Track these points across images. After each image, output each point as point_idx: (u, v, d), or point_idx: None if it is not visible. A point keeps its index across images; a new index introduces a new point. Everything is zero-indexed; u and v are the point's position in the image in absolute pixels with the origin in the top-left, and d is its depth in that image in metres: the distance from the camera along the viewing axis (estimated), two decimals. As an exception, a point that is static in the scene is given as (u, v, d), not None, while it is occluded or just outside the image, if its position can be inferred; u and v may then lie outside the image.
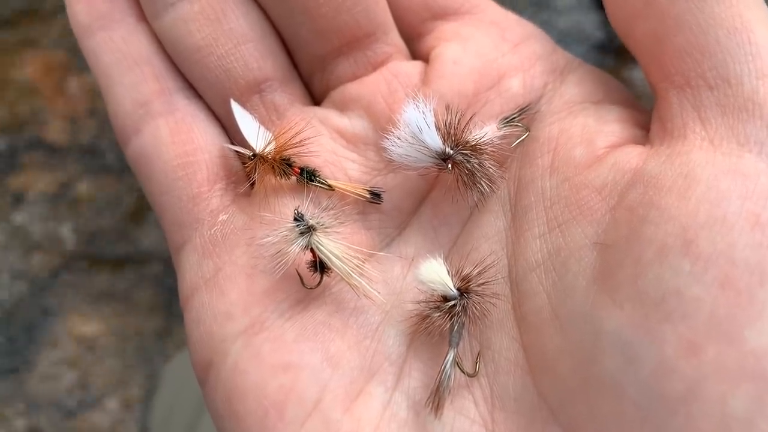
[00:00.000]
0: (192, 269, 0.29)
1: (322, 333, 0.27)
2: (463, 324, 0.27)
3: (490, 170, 0.29)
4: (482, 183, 0.28)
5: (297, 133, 0.29)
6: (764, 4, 0.25)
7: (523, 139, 0.29)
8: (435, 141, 0.28)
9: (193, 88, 0.31)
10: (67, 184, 1.20)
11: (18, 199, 1.19)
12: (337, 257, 0.27)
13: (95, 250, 1.16)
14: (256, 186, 0.30)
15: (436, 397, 0.25)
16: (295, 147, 0.29)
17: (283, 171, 0.29)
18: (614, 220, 0.24)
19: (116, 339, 1.10)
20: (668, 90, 0.25)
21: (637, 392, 0.22)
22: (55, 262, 1.15)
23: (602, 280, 0.24)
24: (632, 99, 0.29)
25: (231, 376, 0.26)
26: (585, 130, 0.27)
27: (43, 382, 1.07)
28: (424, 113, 0.28)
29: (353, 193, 0.29)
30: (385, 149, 0.29)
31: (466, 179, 0.29)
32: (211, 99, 0.31)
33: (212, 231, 0.29)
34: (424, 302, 0.27)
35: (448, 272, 0.27)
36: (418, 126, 0.28)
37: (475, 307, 0.27)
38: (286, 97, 0.31)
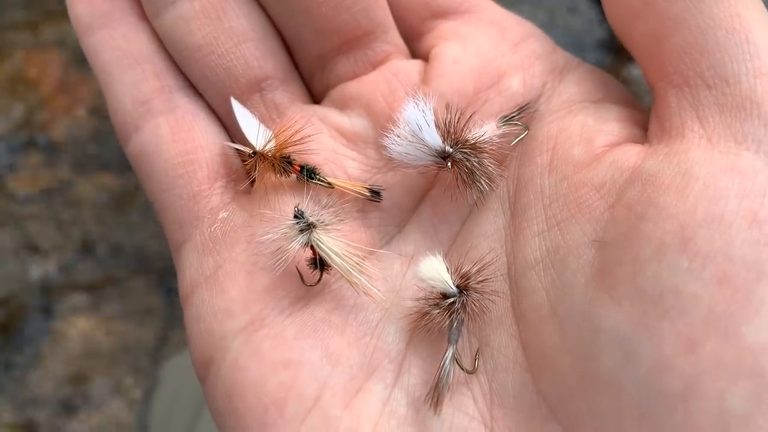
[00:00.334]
0: (192, 266, 0.29)
1: (322, 330, 0.27)
2: (463, 321, 0.27)
3: (490, 168, 0.29)
4: (481, 181, 0.29)
5: (297, 131, 0.29)
6: (762, 5, 0.25)
7: (522, 138, 0.29)
8: (434, 139, 0.29)
9: (193, 86, 0.31)
10: (67, 184, 1.20)
11: (18, 199, 1.19)
12: (336, 254, 0.27)
13: (95, 250, 1.16)
14: (257, 184, 0.30)
15: (435, 394, 0.25)
16: (295, 145, 0.29)
17: (283, 169, 0.29)
18: (613, 218, 0.24)
19: (116, 339, 1.10)
20: (667, 89, 0.25)
21: (636, 389, 0.22)
22: (54, 262, 1.15)
23: (601, 277, 0.24)
24: (631, 98, 0.29)
25: (231, 373, 0.26)
26: (584, 129, 0.27)
27: (43, 382, 1.07)
28: (423, 112, 0.28)
29: (353, 190, 0.29)
30: (384, 147, 0.29)
31: (465, 177, 0.29)
32: (212, 97, 0.31)
33: (212, 228, 0.29)
34: (423, 299, 0.27)
35: (448, 269, 0.27)
36: (417, 124, 0.28)
37: (475, 305, 0.27)
38: (286, 96, 0.31)
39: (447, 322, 0.27)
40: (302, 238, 0.27)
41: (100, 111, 1.22)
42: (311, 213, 0.28)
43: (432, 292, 0.27)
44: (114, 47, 0.31)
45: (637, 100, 0.30)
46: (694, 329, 0.21)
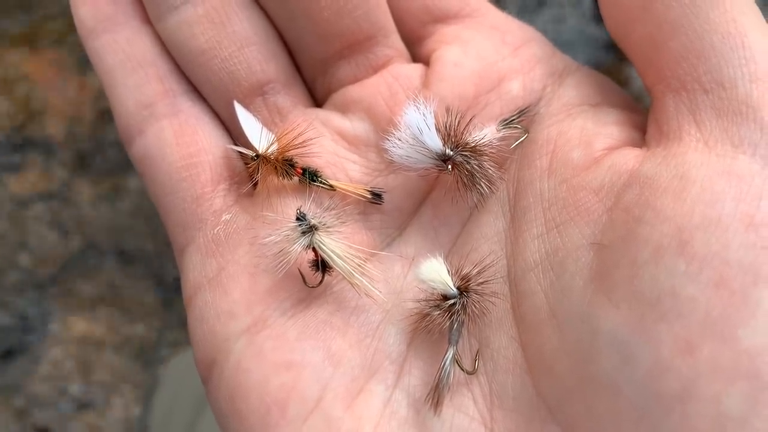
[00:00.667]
0: (195, 268, 0.29)
1: (324, 331, 0.27)
2: (463, 322, 0.27)
3: (490, 171, 0.29)
4: (482, 184, 0.29)
5: (299, 135, 0.30)
6: (758, 10, 0.25)
7: (522, 141, 0.29)
8: (435, 142, 0.29)
9: (196, 90, 0.32)
10: (66, 184, 1.20)
11: (18, 199, 1.19)
12: (338, 256, 0.27)
13: (95, 249, 1.16)
14: (259, 186, 0.30)
15: (436, 395, 0.26)
16: (298, 148, 0.30)
17: (286, 171, 0.30)
18: (611, 221, 0.25)
19: (116, 339, 1.10)
20: (664, 93, 0.26)
21: (633, 391, 0.22)
22: (54, 262, 1.15)
23: (599, 280, 0.24)
24: (630, 101, 0.30)
25: (234, 374, 0.27)
26: (583, 133, 0.28)
27: (43, 382, 1.07)
28: (424, 115, 0.29)
29: (354, 193, 0.29)
30: (385, 150, 0.30)
31: (465, 180, 0.29)
32: (215, 101, 0.31)
33: (215, 231, 0.29)
34: (424, 301, 0.28)
35: (448, 271, 0.27)
36: (418, 127, 0.29)
37: (475, 306, 0.27)
38: (288, 100, 0.31)
39: (447, 324, 0.27)
40: (304, 240, 0.28)
41: (100, 112, 1.23)
42: (313, 215, 0.28)
43: (433, 294, 0.28)
44: (117, 51, 0.31)
45: (637, 101, 0.30)
46: (692, 332, 0.21)
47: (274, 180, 0.30)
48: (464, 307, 0.27)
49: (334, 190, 0.30)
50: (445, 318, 0.27)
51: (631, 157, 0.26)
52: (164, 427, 0.68)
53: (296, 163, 0.30)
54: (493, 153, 0.29)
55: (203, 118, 0.31)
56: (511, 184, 0.29)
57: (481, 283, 0.27)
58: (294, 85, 0.32)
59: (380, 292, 0.28)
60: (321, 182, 0.29)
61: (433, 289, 0.27)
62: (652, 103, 0.27)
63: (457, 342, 0.27)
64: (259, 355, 0.27)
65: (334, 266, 0.28)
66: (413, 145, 0.29)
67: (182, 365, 0.71)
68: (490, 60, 0.30)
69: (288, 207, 0.29)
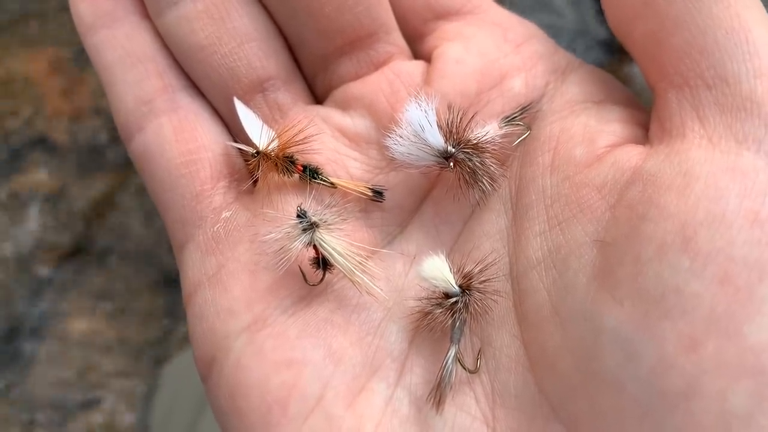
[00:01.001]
0: (195, 266, 0.29)
1: (325, 329, 0.27)
2: (465, 321, 0.27)
3: (492, 169, 0.29)
4: (484, 181, 0.29)
5: (300, 132, 0.30)
6: (761, 5, 0.25)
7: (524, 138, 0.29)
8: (437, 139, 0.29)
9: (196, 86, 0.31)
10: (67, 183, 1.20)
11: (18, 199, 1.19)
12: (339, 254, 0.27)
13: (95, 249, 1.16)
14: (259, 183, 0.30)
15: (438, 393, 0.25)
16: (298, 145, 0.30)
17: (286, 168, 0.30)
18: (614, 218, 0.24)
19: (116, 339, 1.10)
20: (667, 90, 0.26)
21: (637, 388, 0.22)
22: (55, 261, 1.15)
23: (602, 277, 0.24)
24: (633, 98, 0.29)
25: (234, 372, 0.27)
26: (586, 130, 0.27)
27: (43, 381, 1.07)
28: (426, 112, 0.28)
29: (355, 190, 0.29)
30: (387, 148, 0.29)
31: (467, 177, 0.29)
32: (215, 97, 0.31)
33: (215, 228, 0.29)
34: (425, 299, 0.28)
35: (450, 269, 0.27)
36: (420, 125, 0.28)
37: (477, 304, 0.27)
38: (289, 96, 0.31)
39: (449, 322, 0.27)
40: (305, 238, 0.27)
41: (100, 110, 1.22)
42: (314, 213, 0.28)
43: (434, 292, 0.27)
44: (117, 46, 0.31)
45: (638, 97, 0.30)
46: (696, 329, 0.21)
47: (275, 177, 0.30)
48: (466, 305, 0.27)
49: (335, 187, 0.29)
50: (447, 316, 0.27)
51: (634, 154, 0.26)
52: (165, 427, 0.68)
53: (297, 160, 0.30)
54: (495, 150, 0.29)
55: (203, 114, 0.31)
56: (513, 181, 0.29)
57: (483, 281, 0.27)
58: (294, 82, 0.32)
59: (381, 290, 0.28)
60: (322, 179, 0.29)
61: (435, 287, 0.27)
62: (655, 100, 0.27)
63: (459, 340, 0.26)
64: (259, 353, 0.26)
65: (335, 264, 0.27)
66: (415, 142, 0.29)
67: (183, 365, 0.71)
68: (492, 57, 0.30)
69: (288, 204, 0.29)
